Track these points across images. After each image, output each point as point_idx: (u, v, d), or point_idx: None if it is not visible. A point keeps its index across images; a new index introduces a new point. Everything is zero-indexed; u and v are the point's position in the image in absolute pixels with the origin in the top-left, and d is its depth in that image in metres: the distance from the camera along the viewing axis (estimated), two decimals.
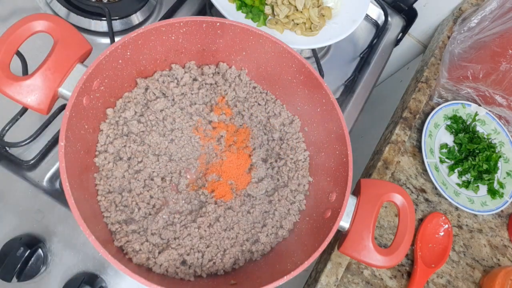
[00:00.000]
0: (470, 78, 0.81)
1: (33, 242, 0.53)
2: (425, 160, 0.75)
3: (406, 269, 0.68)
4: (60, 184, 0.60)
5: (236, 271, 0.53)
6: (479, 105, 0.83)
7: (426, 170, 0.75)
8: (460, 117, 0.81)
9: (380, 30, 0.90)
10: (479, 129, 0.82)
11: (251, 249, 0.55)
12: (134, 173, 0.53)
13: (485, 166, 0.77)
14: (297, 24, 0.74)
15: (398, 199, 0.53)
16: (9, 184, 0.56)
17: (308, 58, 0.83)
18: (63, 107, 0.60)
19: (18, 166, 0.58)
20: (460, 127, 0.81)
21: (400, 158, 0.77)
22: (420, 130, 0.81)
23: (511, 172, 0.80)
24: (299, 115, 0.63)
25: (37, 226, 0.55)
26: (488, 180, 0.76)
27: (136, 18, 0.74)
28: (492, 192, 0.76)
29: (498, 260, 0.74)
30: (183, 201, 0.55)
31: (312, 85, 0.58)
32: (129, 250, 0.48)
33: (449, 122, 0.81)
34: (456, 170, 0.77)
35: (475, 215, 0.76)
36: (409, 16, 0.97)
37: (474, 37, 0.82)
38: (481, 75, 0.79)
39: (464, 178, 0.77)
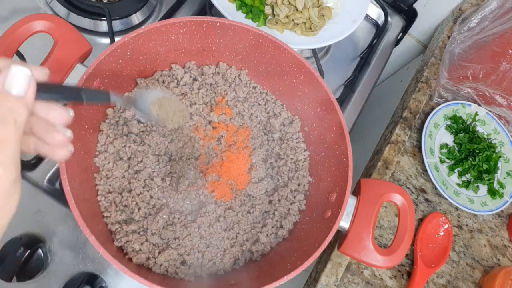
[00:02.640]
0: (470, 78, 0.81)
1: (33, 242, 0.53)
2: (425, 160, 0.75)
3: (406, 269, 0.68)
4: (60, 184, 0.60)
5: (236, 271, 0.53)
6: (479, 105, 0.83)
7: (426, 170, 0.75)
8: (460, 117, 0.81)
9: (380, 30, 0.90)
10: (479, 129, 0.82)
11: (251, 249, 0.55)
12: (134, 173, 0.53)
13: (485, 166, 0.77)
14: (297, 24, 0.74)
15: (398, 199, 0.53)
16: None
17: (308, 58, 0.83)
18: None
19: None
20: (460, 127, 0.81)
21: (400, 158, 0.77)
22: (420, 130, 0.81)
23: (511, 172, 0.80)
24: (299, 115, 0.63)
25: (37, 226, 0.55)
26: (488, 180, 0.76)
27: (136, 18, 0.74)
28: (492, 192, 0.76)
29: (498, 260, 0.74)
30: (183, 201, 0.55)
31: (312, 85, 0.58)
32: (129, 250, 0.48)
33: (449, 122, 0.81)
34: (456, 170, 0.77)
35: (475, 215, 0.76)
36: (409, 16, 0.97)
37: (474, 37, 0.82)
38: (481, 75, 0.79)
39: (464, 178, 0.77)
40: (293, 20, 0.73)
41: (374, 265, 0.50)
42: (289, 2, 0.74)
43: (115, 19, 0.71)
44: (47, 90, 0.30)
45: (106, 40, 0.71)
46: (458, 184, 0.76)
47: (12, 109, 0.27)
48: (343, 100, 0.81)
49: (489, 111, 0.83)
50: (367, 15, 0.94)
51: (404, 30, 0.97)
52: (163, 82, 0.59)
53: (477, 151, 0.78)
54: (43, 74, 0.30)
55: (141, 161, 0.54)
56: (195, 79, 0.61)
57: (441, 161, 0.78)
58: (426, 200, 0.75)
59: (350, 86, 0.82)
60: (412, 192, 0.75)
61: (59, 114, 0.31)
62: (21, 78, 0.28)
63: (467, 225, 0.75)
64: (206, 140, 0.59)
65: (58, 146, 0.32)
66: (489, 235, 0.75)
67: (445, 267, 0.70)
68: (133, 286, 0.56)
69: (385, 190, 0.53)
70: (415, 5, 0.95)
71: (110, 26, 0.66)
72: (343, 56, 0.88)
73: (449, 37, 0.91)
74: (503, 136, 0.82)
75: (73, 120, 0.33)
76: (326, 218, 0.53)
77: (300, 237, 0.55)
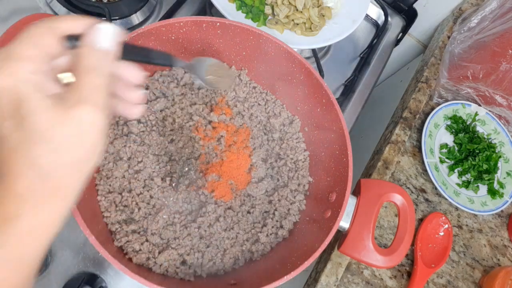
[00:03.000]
0: (470, 78, 0.81)
1: None
2: (425, 160, 0.75)
3: (406, 269, 0.68)
4: None
5: (236, 271, 0.53)
6: (479, 105, 0.83)
7: (426, 170, 0.75)
8: (460, 117, 0.81)
9: (380, 30, 0.90)
10: (479, 129, 0.82)
11: (251, 249, 0.55)
12: (134, 173, 0.53)
13: (485, 166, 0.77)
14: (297, 24, 0.74)
15: (398, 199, 0.53)
16: None
17: (308, 58, 0.83)
18: None
19: None
20: (460, 127, 0.81)
21: (400, 158, 0.77)
22: (420, 130, 0.81)
23: (511, 172, 0.80)
24: (299, 115, 0.63)
25: None
26: (488, 180, 0.76)
27: (136, 18, 0.74)
28: (492, 192, 0.76)
29: (498, 260, 0.74)
30: (183, 201, 0.55)
31: (312, 85, 0.58)
32: (129, 250, 0.48)
33: (449, 122, 0.81)
34: (456, 170, 0.77)
35: (475, 215, 0.76)
36: (409, 16, 0.97)
37: (474, 37, 0.82)
38: (481, 75, 0.79)
39: (464, 178, 0.77)
40: (293, 20, 0.73)
41: (374, 265, 0.51)
42: (289, 2, 0.73)
43: (115, 19, 0.71)
44: (125, 50, 0.33)
45: None
46: (458, 184, 0.76)
47: (101, 60, 0.29)
48: (343, 100, 0.81)
49: (489, 111, 0.83)
50: (367, 15, 0.94)
51: (404, 30, 0.97)
52: (163, 82, 0.59)
53: (477, 151, 0.78)
54: (122, 35, 0.32)
55: (141, 161, 0.54)
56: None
57: (441, 161, 0.78)
58: (426, 200, 0.75)
59: (350, 86, 0.82)
60: (412, 192, 0.75)
61: (135, 74, 0.34)
62: (108, 34, 0.30)
63: (467, 225, 0.75)
64: (206, 140, 0.59)
65: (133, 104, 0.35)
66: (489, 235, 0.75)
67: (445, 267, 0.70)
68: (133, 286, 0.56)
69: (385, 190, 0.53)
70: (415, 5, 0.95)
71: None
72: (343, 56, 0.88)
73: (449, 37, 0.91)
74: (503, 136, 0.82)
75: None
76: (326, 218, 0.53)
77: (300, 237, 0.55)
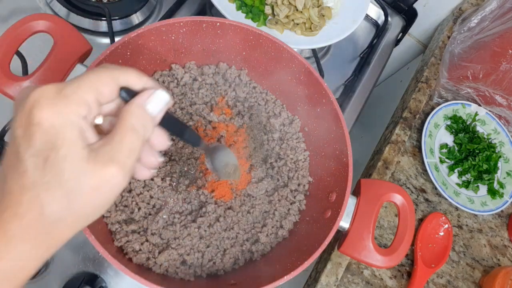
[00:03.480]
0: (470, 78, 0.81)
1: None
2: (425, 160, 0.75)
3: (406, 269, 0.68)
4: None
5: (236, 271, 0.53)
6: (479, 105, 0.83)
7: (426, 170, 0.75)
8: (460, 117, 0.81)
9: (380, 30, 0.90)
10: (479, 129, 0.82)
11: (251, 249, 0.55)
12: None
13: (485, 166, 0.77)
14: (297, 24, 0.74)
15: (398, 199, 0.53)
16: None
17: (308, 58, 0.83)
18: None
19: None
20: (460, 127, 0.81)
21: (400, 158, 0.77)
22: (420, 130, 0.81)
23: (511, 172, 0.80)
24: (299, 115, 0.63)
25: None
26: (488, 180, 0.76)
27: (136, 18, 0.74)
28: (492, 192, 0.76)
29: (498, 260, 0.74)
30: (183, 201, 0.55)
31: (312, 85, 0.58)
32: (129, 250, 0.48)
33: (449, 122, 0.81)
34: (456, 170, 0.77)
35: (475, 215, 0.76)
36: (409, 16, 0.97)
37: (474, 37, 0.82)
38: (481, 75, 0.79)
39: (464, 178, 0.77)
40: (293, 20, 0.73)
41: (374, 265, 0.50)
42: (289, 2, 0.74)
43: (115, 19, 0.71)
44: (165, 118, 0.33)
45: (106, 40, 0.71)
46: (458, 184, 0.76)
47: (146, 125, 0.29)
48: (343, 100, 0.81)
49: (489, 111, 0.83)
50: (367, 15, 0.94)
51: (404, 30, 0.97)
52: (163, 82, 0.59)
53: (477, 151, 0.78)
54: (171, 104, 0.33)
55: None
56: (195, 79, 0.61)
57: (441, 161, 0.78)
58: (426, 200, 0.75)
59: (350, 86, 0.82)
60: (412, 192, 0.75)
61: (162, 141, 0.33)
62: (161, 101, 0.31)
63: (467, 225, 0.75)
64: (206, 140, 0.59)
65: (147, 168, 0.34)
66: (489, 235, 0.75)
67: (445, 267, 0.70)
68: (133, 286, 0.56)
69: (385, 190, 0.53)
70: (415, 5, 0.95)
71: (110, 26, 0.66)
72: (343, 56, 0.88)
73: (449, 37, 0.91)
74: (503, 136, 0.82)
75: None
76: (326, 218, 0.53)
77: (300, 237, 0.55)
